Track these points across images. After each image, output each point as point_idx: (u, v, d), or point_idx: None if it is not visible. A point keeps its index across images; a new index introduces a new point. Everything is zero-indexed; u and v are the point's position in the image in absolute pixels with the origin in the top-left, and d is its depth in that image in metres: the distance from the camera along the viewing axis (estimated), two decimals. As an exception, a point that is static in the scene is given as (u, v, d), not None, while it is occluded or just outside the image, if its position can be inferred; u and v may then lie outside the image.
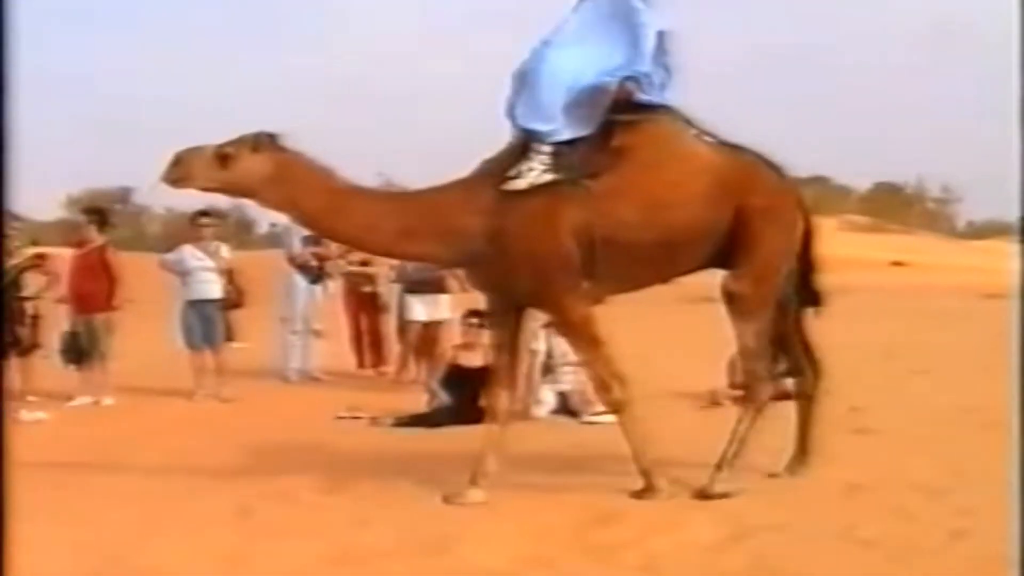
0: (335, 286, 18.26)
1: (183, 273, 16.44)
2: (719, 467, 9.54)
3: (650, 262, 9.61)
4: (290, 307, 17.44)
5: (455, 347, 14.60)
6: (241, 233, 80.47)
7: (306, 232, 15.93)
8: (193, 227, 17.16)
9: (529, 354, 14.27)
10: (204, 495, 9.72)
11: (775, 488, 9.72)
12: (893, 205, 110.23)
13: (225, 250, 16.97)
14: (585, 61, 9.55)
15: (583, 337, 9.67)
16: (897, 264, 61.55)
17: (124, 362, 16.44)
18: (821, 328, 16.45)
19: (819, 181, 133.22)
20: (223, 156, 9.27)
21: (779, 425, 10.19)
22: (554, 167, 9.36)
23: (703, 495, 9.38)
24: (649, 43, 9.55)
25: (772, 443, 10.10)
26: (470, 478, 9.48)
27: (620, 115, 9.53)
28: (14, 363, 15.31)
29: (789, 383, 14.82)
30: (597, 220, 9.25)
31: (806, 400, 10.55)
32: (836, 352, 16.26)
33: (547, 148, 9.39)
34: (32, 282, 15.76)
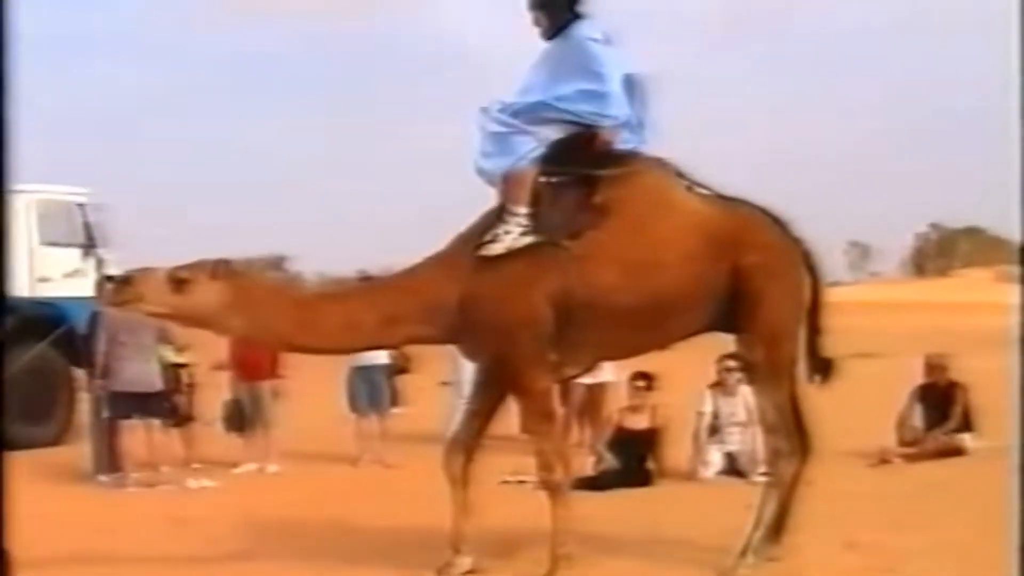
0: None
1: (349, 338, 16.44)
2: (744, 553, 9.04)
3: (637, 327, 9.13)
4: (455, 371, 17.36)
5: (621, 409, 14.49)
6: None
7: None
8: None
9: (696, 415, 14.18)
10: (372, 569, 9.74)
11: (952, 548, 9.48)
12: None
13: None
14: (547, 105, 9.13)
15: (538, 411, 9.24)
16: (1057, 314, 60.33)
17: (287, 429, 16.50)
18: (990, 381, 16.21)
19: (974, 232, 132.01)
20: (178, 281, 8.83)
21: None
22: (533, 229, 8.97)
23: None
24: (614, 85, 9.10)
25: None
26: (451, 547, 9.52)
27: (603, 169, 9.10)
28: (176, 432, 15.52)
29: (960, 439, 14.70)
30: (576, 284, 8.84)
31: (788, 481, 9.28)
32: (1007, 407, 16.01)
33: (524, 209, 8.98)
34: (185, 350, 15.90)
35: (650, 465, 13.78)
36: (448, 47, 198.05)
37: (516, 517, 10.18)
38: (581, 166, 9.12)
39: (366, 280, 16.95)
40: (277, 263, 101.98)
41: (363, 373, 16.24)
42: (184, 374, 15.88)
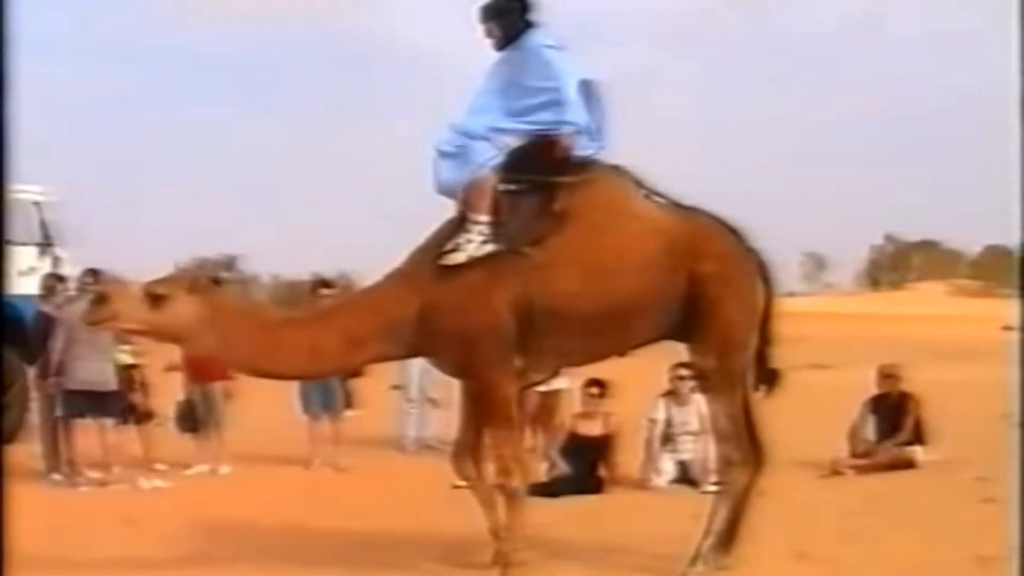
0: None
1: (303, 341, 16.47)
2: (694, 561, 9.06)
3: (597, 333, 9.14)
4: (404, 375, 17.37)
5: (574, 416, 14.50)
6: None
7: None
8: (312, 296, 17.22)
9: (648, 423, 14.20)
10: (324, 571, 9.70)
11: (903, 560, 9.53)
12: (1004, 268, 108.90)
13: (346, 319, 16.95)
14: (505, 116, 9.19)
15: (500, 416, 9.14)
16: (1008, 328, 60.50)
17: (240, 430, 16.48)
18: (941, 394, 16.31)
19: (928, 246, 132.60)
20: (155, 296, 8.68)
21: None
22: (493, 237, 8.97)
23: None
24: (572, 92, 9.09)
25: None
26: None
27: (561, 176, 9.10)
28: (133, 431, 15.48)
29: (911, 451, 14.76)
30: (537, 291, 8.84)
31: (740, 490, 9.26)
32: (958, 420, 16.13)
33: (485, 218, 8.99)
34: (136, 351, 15.88)
35: (602, 472, 13.80)
36: (402, 49, 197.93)
37: (468, 522, 10.17)
38: (540, 173, 9.12)
39: (320, 284, 17.03)
40: (229, 263, 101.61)
41: (316, 375, 16.20)
42: (136, 374, 15.84)
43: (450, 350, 9.16)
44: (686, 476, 13.91)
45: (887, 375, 15.52)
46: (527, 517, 9.14)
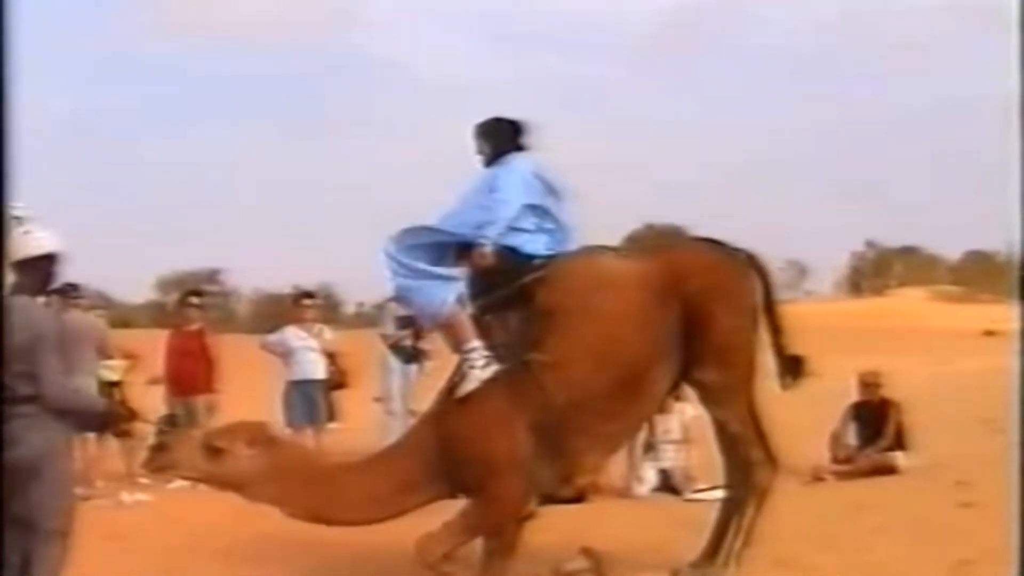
0: (431, 366, 18.01)
1: (286, 353, 16.51)
2: (726, 562, 9.21)
3: (628, 399, 9.03)
4: (386, 388, 17.36)
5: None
6: (328, 312, 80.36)
7: (400, 312, 16.03)
8: (296, 308, 17.31)
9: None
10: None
11: (883, 566, 9.57)
12: (984, 273, 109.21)
13: (328, 332, 17.05)
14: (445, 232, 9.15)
15: (493, 523, 9.13)
16: (989, 333, 60.74)
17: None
18: (922, 400, 16.37)
19: (909, 251, 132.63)
20: (214, 449, 8.68)
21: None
22: (495, 356, 8.90)
23: None
24: (505, 212, 9.07)
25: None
26: None
27: (530, 276, 9.07)
28: (115, 445, 15.49)
29: (893, 457, 14.81)
30: (557, 389, 8.75)
31: (766, 488, 9.46)
32: (939, 425, 16.19)
33: (477, 343, 8.90)
34: (117, 366, 15.87)
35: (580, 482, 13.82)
36: (381, 65, 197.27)
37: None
38: (507, 284, 9.07)
39: (302, 296, 17.04)
40: (211, 276, 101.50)
41: (300, 387, 16.26)
42: (117, 391, 15.83)
43: (469, 474, 8.98)
44: (667, 484, 13.98)
45: (868, 383, 15.57)
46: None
